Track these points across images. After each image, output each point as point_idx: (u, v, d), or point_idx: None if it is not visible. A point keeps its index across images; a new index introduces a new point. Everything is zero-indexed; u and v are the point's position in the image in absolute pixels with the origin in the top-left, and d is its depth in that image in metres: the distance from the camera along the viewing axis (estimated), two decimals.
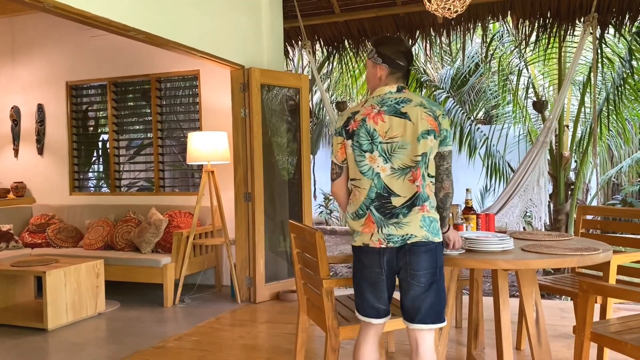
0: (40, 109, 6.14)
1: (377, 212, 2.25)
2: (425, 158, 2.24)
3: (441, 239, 2.29)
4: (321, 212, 11.92)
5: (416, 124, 2.22)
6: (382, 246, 2.24)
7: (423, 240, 2.22)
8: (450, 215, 2.41)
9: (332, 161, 2.41)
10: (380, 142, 2.25)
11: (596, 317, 2.56)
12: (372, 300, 2.31)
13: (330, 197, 11.66)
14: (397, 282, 2.32)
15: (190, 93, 5.74)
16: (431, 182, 2.28)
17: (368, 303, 2.32)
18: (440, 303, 2.27)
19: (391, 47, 2.34)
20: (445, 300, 2.34)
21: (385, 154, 2.24)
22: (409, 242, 2.22)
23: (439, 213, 2.31)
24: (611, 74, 6.29)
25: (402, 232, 2.22)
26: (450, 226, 2.43)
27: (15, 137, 6.25)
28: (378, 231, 2.24)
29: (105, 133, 6.09)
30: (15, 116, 6.22)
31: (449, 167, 2.31)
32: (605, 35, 5.51)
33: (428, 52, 6.45)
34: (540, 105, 6.33)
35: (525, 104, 7.29)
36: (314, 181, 9.39)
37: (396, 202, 2.23)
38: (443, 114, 2.29)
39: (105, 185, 6.23)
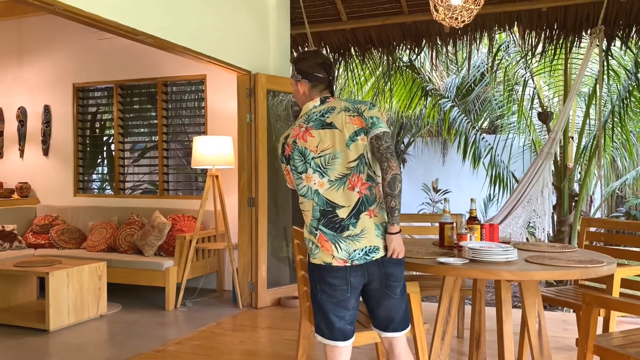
0: (47, 110, 6.17)
1: (326, 229, 2.22)
2: (364, 159, 2.23)
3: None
4: None
5: (342, 130, 2.23)
6: (347, 264, 2.20)
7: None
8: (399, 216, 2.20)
9: None
10: (312, 158, 2.26)
11: (599, 330, 2.55)
12: (337, 321, 2.24)
13: None
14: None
15: (196, 97, 5.76)
16: (380, 180, 2.24)
17: (333, 325, 2.24)
18: (405, 310, 2.34)
19: (307, 61, 2.37)
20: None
21: (320, 168, 2.24)
22: (376, 257, 2.20)
23: (387, 203, 2.18)
24: (617, 86, 6.29)
25: (361, 245, 2.19)
26: (398, 228, 2.21)
27: (21, 138, 6.28)
28: (337, 250, 2.20)
29: (111, 135, 6.11)
30: (22, 117, 6.25)
31: (389, 146, 2.19)
32: (612, 47, 5.52)
33: (434, 61, 6.47)
34: (545, 116, 6.34)
35: (530, 115, 7.29)
36: None
37: (342, 213, 2.21)
38: (369, 107, 2.26)
39: (109, 188, 6.25)
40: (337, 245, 2.20)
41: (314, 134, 2.26)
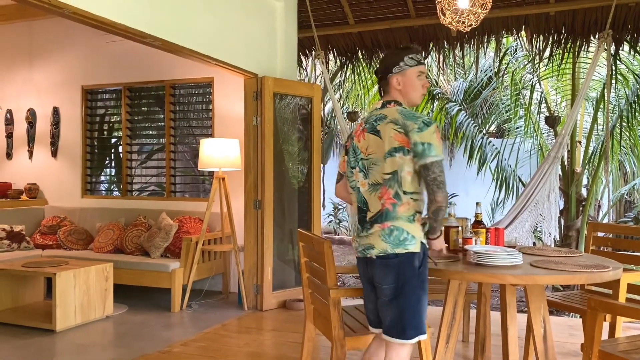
0: (56, 112, 6.22)
1: (358, 223, 2.39)
2: (397, 176, 2.23)
3: (407, 249, 2.21)
4: (330, 221, 11.92)
5: (384, 141, 2.25)
6: (359, 256, 2.39)
7: (381, 254, 2.24)
8: (441, 222, 2.30)
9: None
10: (361, 159, 2.35)
11: (605, 336, 2.54)
12: (365, 308, 2.48)
13: (340, 207, 11.66)
14: None
15: (204, 100, 5.79)
16: (411, 199, 2.24)
17: (366, 309, 2.48)
18: (402, 319, 2.24)
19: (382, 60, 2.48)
20: (416, 318, 2.25)
21: (365, 170, 2.33)
22: (368, 255, 2.29)
23: (430, 224, 2.29)
24: (625, 90, 6.26)
25: (365, 242, 2.32)
26: (440, 234, 2.35)
27: (30, 139, 6.33)
28: (356, 242, 2.40)
29: (119, 137, 6.15)
30: (31, 118, 6.30)
31: (436, 178, 2.18)
32: (620, 51, 5.50)
33: (441, 65, 6.47)
34: (552, 121, 6.31)
35: (537, 119, 7.26)
36: (324, 190, 9.39)
37: (368, 216, 2.32)
38: (419, 128, 2.19)
39: (116, 189, 6.29)
40: (356, 240, 2.40)
41: (366, 137, 2.34)
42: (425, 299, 2.30)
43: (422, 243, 2.27)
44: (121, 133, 6.06)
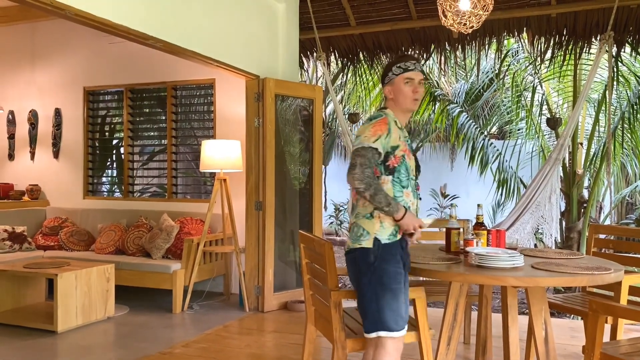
0: (58, 113, 6.23)
1: None
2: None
3: (361, 245, 2.34)
4: (331, 222, 11.91)
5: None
6: None
7: (347, 249, 2.45)
8: (389, 203, 2.30)
9: None
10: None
11: (606, 338, 2.54)
12: None
13: (341, 208, 11.66)
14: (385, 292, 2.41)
15: (205, 101, 5.80)
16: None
17: None
18: (365, 312, 2.35)
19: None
20: (374, 313, 2.31)
21: None
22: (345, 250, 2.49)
23: (379, 209, 2.33)
24: (627, 92, 6.26)
25: None
26: (399, 212, 2.32)
27: (32, 140, 6.34)
28: None
29: (120, 139, 6.16)
30: (33, 119, 6.32)
31: (352, 163, 2.32)
32: (622, 53, 5.50)
33: (442, 66, 6.47)
34: (554, 122, 6.31)
35: (539, 121, 7.26)
36: (325, 192, 9.39)
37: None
38: (363, 122, 2.46)
39: (118, 190, 6.29)
40: None
41: None
42: (390, 296, 2.30)
43: (376, 239, 2.34)
44: (123, 134, 6.07)
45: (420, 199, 2.52)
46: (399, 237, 2.38)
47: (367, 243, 2.34)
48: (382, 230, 2.35)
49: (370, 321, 2.33)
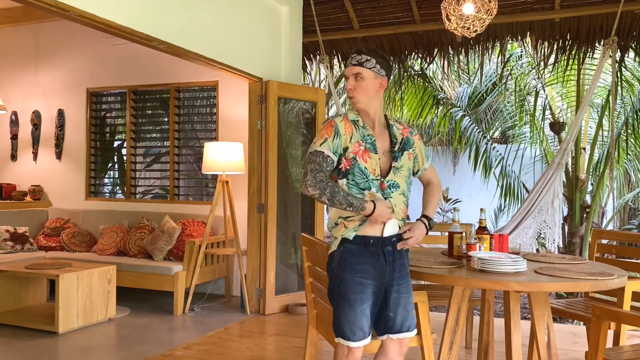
0: (61, 114, 6.24)
1: None
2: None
3: (330, 250, 2.30)
4: None
5: None
6: None
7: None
8: (351, 203, 2.19)
9: None
10: None
11: (609, 344, 2.52)
12: None
13: None
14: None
15: (208, 103, 5.80)
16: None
17: None
18: (336, 318, 2.28)
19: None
20: (337, 319, 2.25)
21: None
22: None
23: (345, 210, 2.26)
24: (630, 97, 6.25)
25: None
26: (371, 206, 2.20)
27: (35, 141, 6.35)
28: None
29: (123, 140, 6.17)
30: (36, 120, 6.33)
31: (304, 172, 2.29)
32: (625, 58, 5.49)
33: (446, 70, 6.46)
34: (557, 127, 6.30)
35: (542, 125, 7.25)
36: None
37: None
38: None
39: (120, 192, 6.29)
40: None
41: None
42: (346, 305, 2.21)
43: (342, 241, 2.25)
44: (125, 136, 6.07)
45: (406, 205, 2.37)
46: (368, 228, 2.24)
47: (333, 247, 2.29)
48: (347, 231, 2.25)
49: (334, 325, 2.28)
